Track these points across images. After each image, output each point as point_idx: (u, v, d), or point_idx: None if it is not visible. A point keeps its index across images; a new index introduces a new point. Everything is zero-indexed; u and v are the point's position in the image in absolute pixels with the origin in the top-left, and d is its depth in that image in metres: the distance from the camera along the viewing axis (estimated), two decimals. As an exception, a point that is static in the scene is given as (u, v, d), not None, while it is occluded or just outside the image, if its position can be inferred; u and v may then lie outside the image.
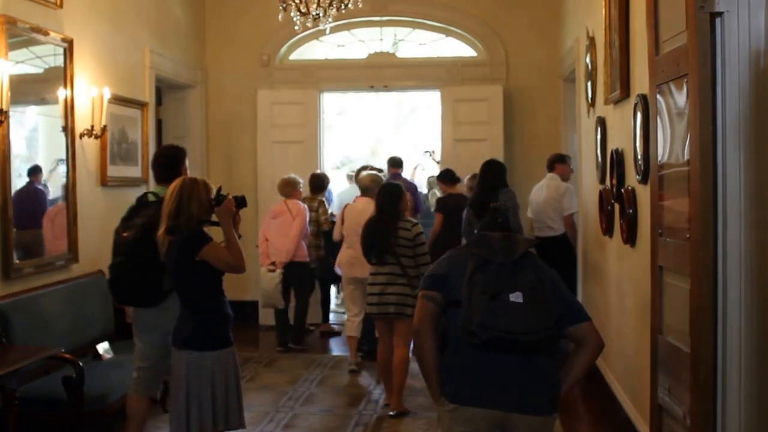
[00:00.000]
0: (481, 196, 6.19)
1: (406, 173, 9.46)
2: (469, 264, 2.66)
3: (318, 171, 7.89)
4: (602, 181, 5.35)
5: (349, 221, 6.31)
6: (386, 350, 5.36)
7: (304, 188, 7.38)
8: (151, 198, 4.21)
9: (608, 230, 5.12)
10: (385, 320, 5.33)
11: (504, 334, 2.52)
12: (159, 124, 7.63)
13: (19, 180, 4.81)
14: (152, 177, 5.83)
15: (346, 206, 6.56)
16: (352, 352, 6.49)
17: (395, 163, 8.38)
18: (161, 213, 3.68)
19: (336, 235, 6.60)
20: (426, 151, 9.32)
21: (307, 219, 7.05)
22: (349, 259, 6.29)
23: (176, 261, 3.60)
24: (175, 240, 3.58)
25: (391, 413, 5.21)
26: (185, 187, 3.61)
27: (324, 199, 7.67)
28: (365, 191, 6.37)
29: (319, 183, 7.61)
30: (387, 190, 5.53)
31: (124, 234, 4.09)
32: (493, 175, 6.43)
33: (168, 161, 4.37)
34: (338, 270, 6.58)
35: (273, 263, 6.92)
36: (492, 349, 2.57)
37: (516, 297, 2.55)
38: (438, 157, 8.65)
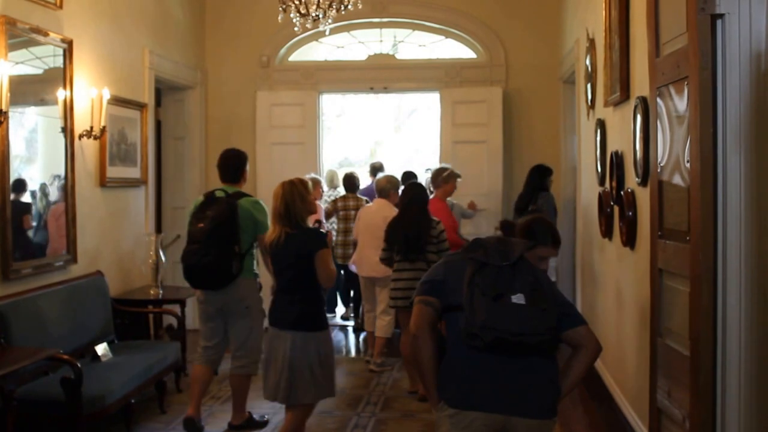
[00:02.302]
0: (524, 198, 7.01)
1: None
2: (467, 268, 2.66)
3: (349, 171, 8.15)
4: (602, 183, 5.34)
5: (361, 221, 6.59)
6: (408, 340, 5.66)
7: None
8: (219, 194, 4.82)
9: (608, 232, 5.11)
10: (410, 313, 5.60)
11: (507, 336, 2.51)
12: (158, 125, 7.62)
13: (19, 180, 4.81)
14: (161, 175, 5.80)
15: (364, 207, 6.95)
16: (370, 344, 6.68)
17: (376, 170, 8.61)
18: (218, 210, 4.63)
19: (354, 234, 6.79)
20: (427, 169, 9.39)
21: (322, 217, 7.18)
22: (359, 258, 6.54)
23: (296, 252, 4.09)
24: (295, 234, 4.11)
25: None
26: (287, 190, 4.15)
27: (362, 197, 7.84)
28: (380, 192, 6.52)
29: (354, 182, 7.85)
30: (416, 191, 5.78)
31: (199, 225, 4.69)
32: (535, 179, 7.08)
33: (235, 163, 5.06)
34: (352, 267, 6.82)
35: None
36: (494, 352, 2.56)
37: (518, 298, 2.54)
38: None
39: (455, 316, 2.65)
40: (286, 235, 4.10)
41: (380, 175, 7.02)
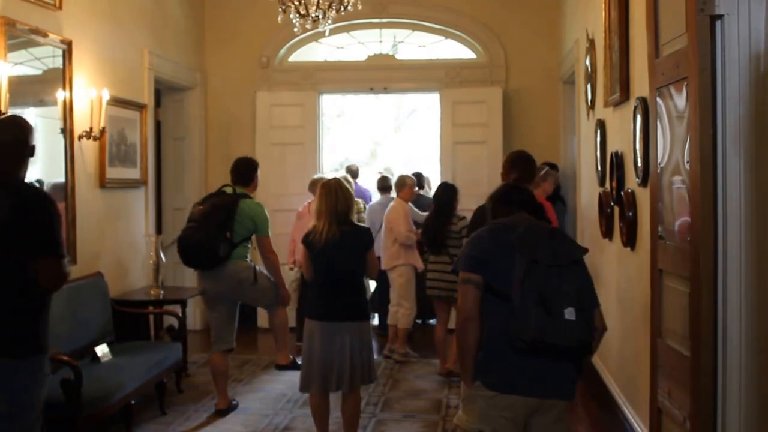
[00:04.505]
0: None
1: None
2: (516, 260, 2.76)
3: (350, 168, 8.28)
4: (602, 183, 5.34)
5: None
6: (441, 328, 6.32)
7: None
8: (228, 190, 5.26)
9: (608, 233, 5.11)
10: (442, 301, 6.21)
11: (552, 348, 2.72)
12: (158, 125, 7.62)
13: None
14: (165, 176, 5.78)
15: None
16: (390, 338, 6.94)
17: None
18: (222, 209, 5.05)
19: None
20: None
21: None
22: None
23: (353, 247, 4.38)
24: (350, 230, 4.39)
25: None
26: (344, 189, 4.41)
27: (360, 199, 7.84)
28: (397, 191, 7.14)
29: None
30: (442, 190, 6.40)
31: (199, 207, 5.15)
32: None
33: (246, 169, 5.41)
34: None
35: (294, 261, 7.01)
36: (535, 354, 2.76)
37: (570, 314, 2.70)
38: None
39: (499, 303, 2.80)
40: (342, 232, 4.36)
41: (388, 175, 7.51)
